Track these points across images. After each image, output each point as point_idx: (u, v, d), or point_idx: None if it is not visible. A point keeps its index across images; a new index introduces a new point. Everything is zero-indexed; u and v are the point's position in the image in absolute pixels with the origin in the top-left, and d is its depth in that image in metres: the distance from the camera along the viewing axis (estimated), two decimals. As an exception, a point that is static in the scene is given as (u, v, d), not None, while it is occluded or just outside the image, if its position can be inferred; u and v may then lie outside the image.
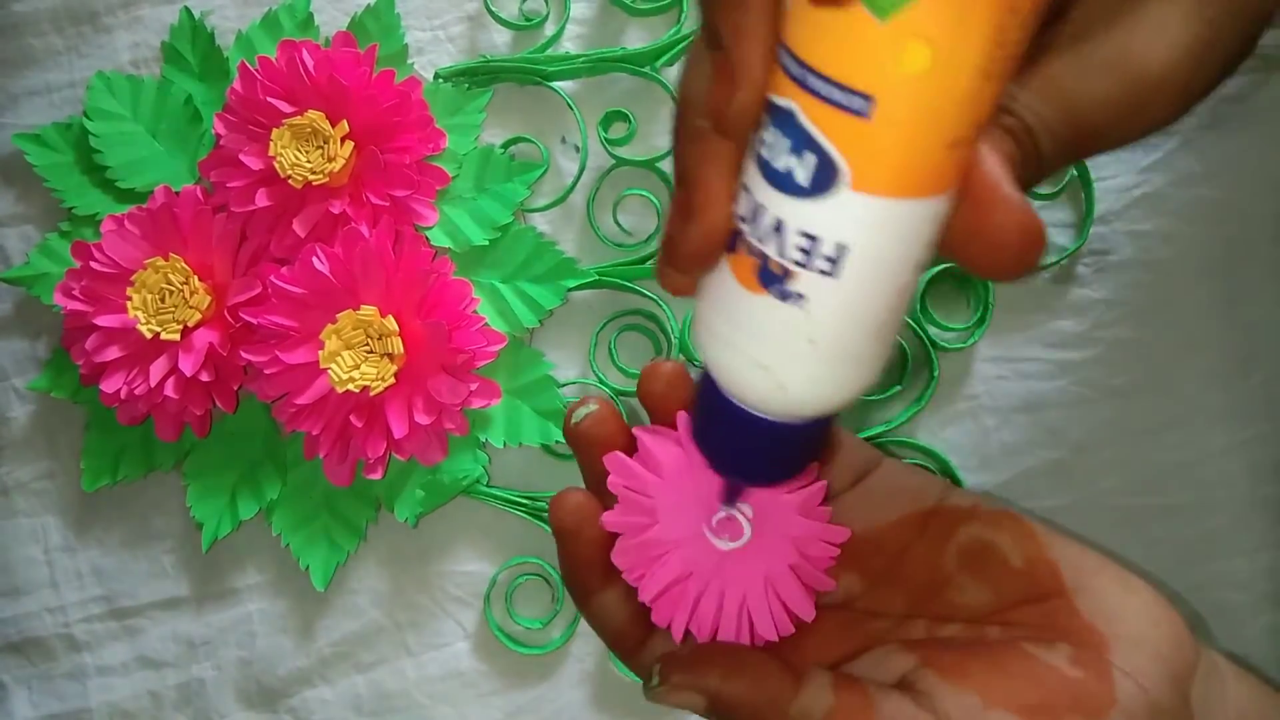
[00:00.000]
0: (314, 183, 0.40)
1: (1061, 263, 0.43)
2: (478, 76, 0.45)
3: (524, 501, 0.43)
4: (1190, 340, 0.42)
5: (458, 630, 0.44)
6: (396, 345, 0.39)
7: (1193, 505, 0.42)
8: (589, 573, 0.31)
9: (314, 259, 0.40)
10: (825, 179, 0.20)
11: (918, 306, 0.42)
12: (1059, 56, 0.23)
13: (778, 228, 0.21)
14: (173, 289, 0.41)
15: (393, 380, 0.40)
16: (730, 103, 0.21)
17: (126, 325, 0.41)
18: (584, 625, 0.43)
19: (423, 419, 0.40)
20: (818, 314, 0.22)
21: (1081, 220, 0.43)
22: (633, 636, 0.31)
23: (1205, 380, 0.42)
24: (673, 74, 0.45)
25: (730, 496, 0.30)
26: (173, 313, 0.41)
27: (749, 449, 0.26)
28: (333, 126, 0.40)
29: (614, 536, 0.30)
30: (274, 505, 0.43)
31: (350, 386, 0.39)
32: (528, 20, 0.45)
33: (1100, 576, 0.29)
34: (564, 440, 0.42)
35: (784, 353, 0.23)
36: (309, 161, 0.40)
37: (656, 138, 0.45)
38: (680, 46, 0.44)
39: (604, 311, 0.44)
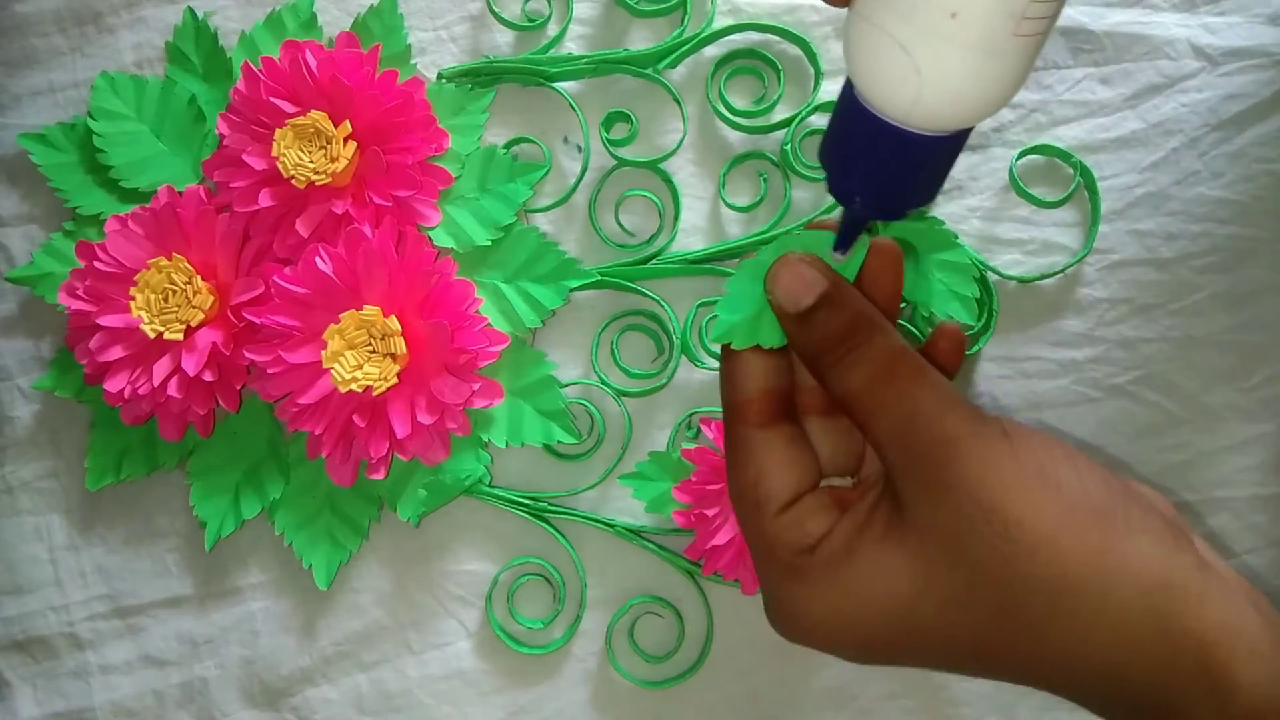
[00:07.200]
0: (317, 183, 0.40)
1: (1068, 270, 0.42)
2: (480, 77, 0.45)
3: (526, 501, 0.43)
4: (1192, 339, 0.42)
5: (460, 629, 0.44)
6: (399, 345, 0.39)
7: (1193, 504, 0.42)
8: None
9: (317, 259, 0.40)
10: None
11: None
12: None
13: None
14: (176, 289, 0.41)
15: (395, 380, 0.40)
16: None
17: (130, 325, 0.41)
18: (585, 625, 0.43)
19: (425, 419, 0.40)
20: None
21: (1086, 219, 0.43)
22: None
23: (1207, 379, 0.42)
24: (675, 75, 0.45)
25: (846, 235, 0.29)
26: (176, 312, 0.41)
27: (872, 159, 0.26)
28: (335, 127, 0.41)
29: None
30: (277, 504, 0.43)
31: (353, 386, 0.39)
32: (530, 21, 0.45)
33: None
34: (566, 440, 0.42)
35: (924, 26, 0.24)
36: (312, 162, 0.40)
37: (658, 138, 0.45)
38: (683, 48, 0.44)
39: (606, 311, 0.44)
